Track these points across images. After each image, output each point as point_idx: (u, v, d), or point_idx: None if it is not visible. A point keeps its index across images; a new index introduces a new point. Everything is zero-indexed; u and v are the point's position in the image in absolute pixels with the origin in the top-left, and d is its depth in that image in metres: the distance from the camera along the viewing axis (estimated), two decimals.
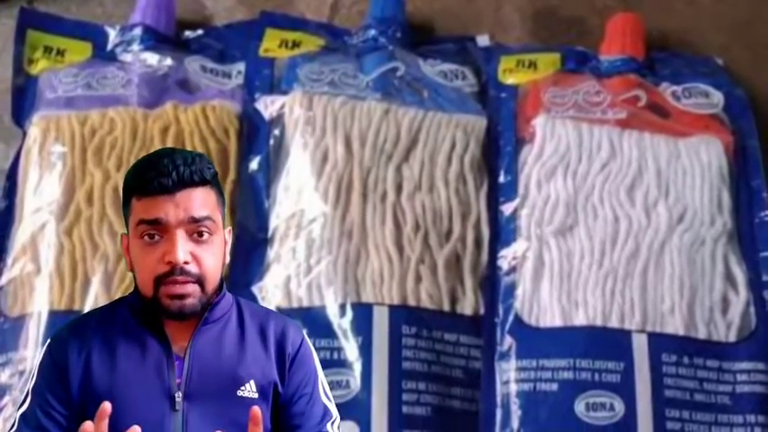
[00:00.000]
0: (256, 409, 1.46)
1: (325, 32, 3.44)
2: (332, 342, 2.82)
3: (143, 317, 1.59)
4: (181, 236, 1.52)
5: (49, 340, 1.61)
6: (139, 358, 1.56)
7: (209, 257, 1.55)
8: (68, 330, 1.61)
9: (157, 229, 1.52)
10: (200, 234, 1.54)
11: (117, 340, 1.57)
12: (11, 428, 1.56)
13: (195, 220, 1.53)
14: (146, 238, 1.53)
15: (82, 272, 2.93)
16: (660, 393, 2.77)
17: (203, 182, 1.55)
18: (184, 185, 1.52)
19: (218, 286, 1.60)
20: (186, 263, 1.51)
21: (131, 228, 1.56)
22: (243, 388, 1.56)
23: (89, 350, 1.56)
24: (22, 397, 1.58)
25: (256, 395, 1.57)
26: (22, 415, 1.56)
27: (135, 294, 1.62)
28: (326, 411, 1.65)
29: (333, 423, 1.65)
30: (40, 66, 3.31)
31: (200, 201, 1.54)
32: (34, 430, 1.53)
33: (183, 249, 1.51)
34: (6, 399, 2.81)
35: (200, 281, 1.53)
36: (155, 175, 1.52)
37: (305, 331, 2.79)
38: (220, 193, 1.60)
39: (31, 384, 1.58)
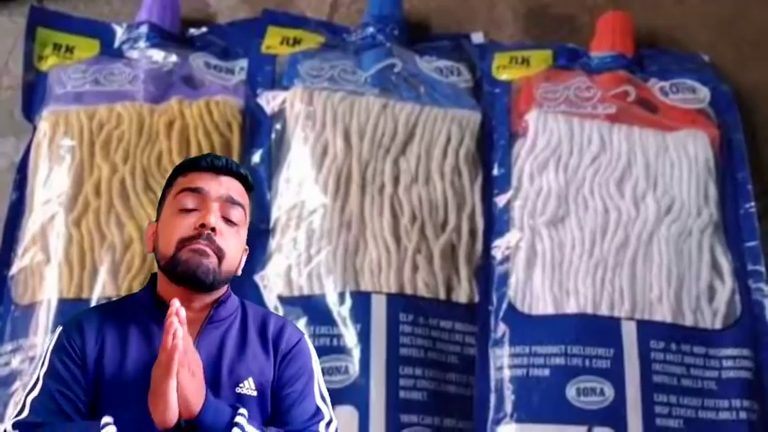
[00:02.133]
0: None
1: (325, 30, 3.48)
2: (331, 329, 2.86)
3: (153, 311, 1.63)
4: (215, 208, 1.62)
5: (60, 327, 1.64)
6: (148, 351, 1.58)
7: (233, 242, 1.64)
8: (83, 317, 1.64)
9: (196, 199, 1.62)
10: (231, 219, 1.64)
11: (128, 331, 1.61)
12: (18, 413, 1.56)
13: (232, 201, 1.64)
14: (181, 208, 1.62)
15: (90, 261, 2.97)
16: (648, 379, 2.80)
17: (246, 181, 1.69)
18: (231, 173, 1.67)
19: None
20: (214, 230, 1.60)
21: (169, 200, 1.65)
22: (242, 385, 1.59)
23: (104, 337, 1.60)
24: (32, 383, 1.59)
25: (255, 392, 1.60)
26: (33, 401, 1.56)
27: (146, 290, 1.67)
28: (318, 411, 1.66)
29: (328, 425, 1.66)
30: (49, 62, 3.36)
31: (239, 190, 1.67)
32: (53, 414, 1.55)
33: (215, 217, 1.61)
34: (17, 384, 2.85)
35: (219, 255, 1.60)
36: (210, 156, 1.67)
37: (304, 320, 2.85)
38: (249, 207, 1.70)
39: (41, 371, 1.59)
